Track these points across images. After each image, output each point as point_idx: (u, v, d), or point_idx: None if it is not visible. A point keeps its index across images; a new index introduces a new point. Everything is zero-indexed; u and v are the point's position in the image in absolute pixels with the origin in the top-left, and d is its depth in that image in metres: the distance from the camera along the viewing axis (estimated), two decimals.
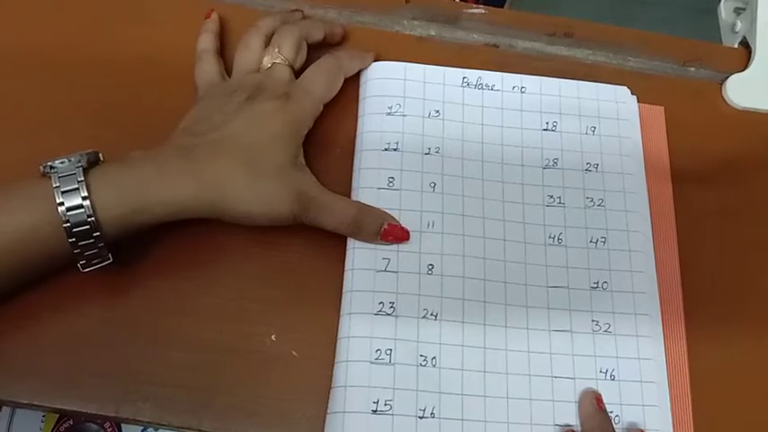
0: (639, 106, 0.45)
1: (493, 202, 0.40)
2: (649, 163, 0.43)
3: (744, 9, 0.50)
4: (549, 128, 0.43)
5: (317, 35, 0.43)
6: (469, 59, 0.45)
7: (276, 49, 0.40)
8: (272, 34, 0.41)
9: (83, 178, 0.32)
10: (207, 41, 0.42)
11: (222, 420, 0.35)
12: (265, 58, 0.40)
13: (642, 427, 0.36)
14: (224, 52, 0.43)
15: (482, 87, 0.44)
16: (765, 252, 0.42)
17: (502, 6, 0.93)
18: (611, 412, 0.36)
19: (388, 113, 0.42)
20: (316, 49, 0.42)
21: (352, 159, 0.41)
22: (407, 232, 0.38)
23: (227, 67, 0.42)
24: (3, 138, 0.40)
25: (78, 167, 0.33)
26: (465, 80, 0.44)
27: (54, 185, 0.32)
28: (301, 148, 0.39)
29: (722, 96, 0.47)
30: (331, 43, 0.44)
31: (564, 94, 0.44)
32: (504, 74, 0.44)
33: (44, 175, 0.33)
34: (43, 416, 0.59)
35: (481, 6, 0.48)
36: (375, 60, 0.43)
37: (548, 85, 0.44)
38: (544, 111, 0.43)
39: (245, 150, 0.36)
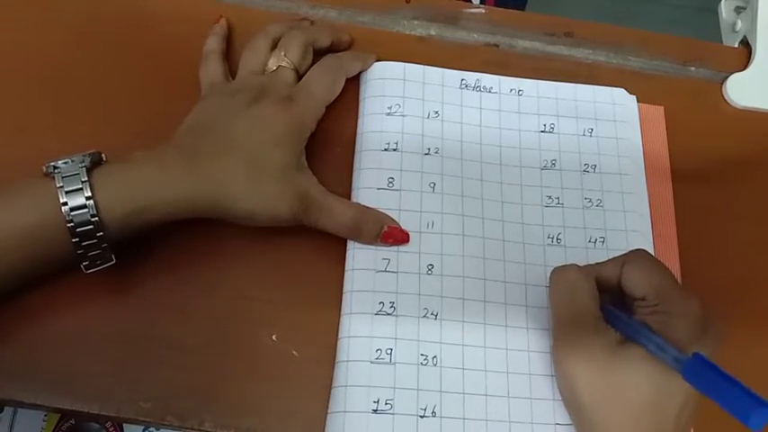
0: (639, 106, 0.45)
1: (492, 203, 0.40)
2: (649, 163, 0.43)
3: (744, 8, 0.50)
4: (547, 130, 0.43)
5: (325, 42, 0.43)
6: (470, 59, 0.45)
7: (282, 53, 0.40)
8: (280, 39, 0.41)
9: (86, 178, 0.32)
10: (214, 43, 0.42)
11: (223, 420, 0.35)
12: (271, 61, 0.40)
13: None
14: (227, 54, 0.43)
15: (480, 89, 0.44)
16: (765, 252, 0.42)
17: (523, 9, 0.93)
18: None
19: (388, 114, 0.42)
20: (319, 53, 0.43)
21: (352, 159, 0.41)
22: (407, 234, 0.38)
23: (232, 70, 0.42)
24: (3, 138, 0.40)
25: (82, 167, 0.33)
26: (463, 82, 0.44)
27: (57, 185, 0.32)
28: (304, 150, 0.39)
29: (722, 96, 0.47)
30: (338, 50, 0.44)
31: (561, 97, 0.44)
32: (502, 77, 0.44)
33: (47, 175, 0.33)
34: (45, 415, 0.59)
35: (481, 6, 0.48)
36: (376, 60, 0.43)
37: (545, 87, 0.44)
38: (541, 113, 0.43)
39: (247, 151, 0.36)
